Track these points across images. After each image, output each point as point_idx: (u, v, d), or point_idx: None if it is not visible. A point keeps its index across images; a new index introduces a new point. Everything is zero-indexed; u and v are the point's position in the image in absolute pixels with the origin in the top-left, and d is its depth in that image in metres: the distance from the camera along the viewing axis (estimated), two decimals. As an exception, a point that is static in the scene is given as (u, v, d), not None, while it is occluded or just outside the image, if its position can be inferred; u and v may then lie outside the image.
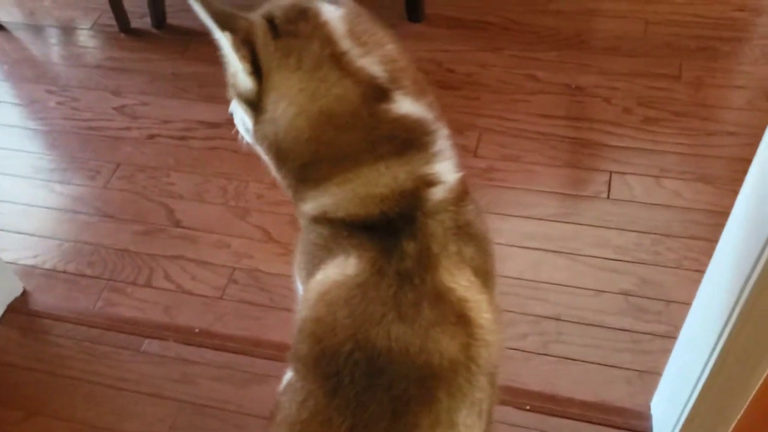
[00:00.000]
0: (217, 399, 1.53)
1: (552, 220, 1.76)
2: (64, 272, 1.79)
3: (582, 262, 1.68)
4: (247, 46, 0.87)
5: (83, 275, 1.78)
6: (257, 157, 0.97)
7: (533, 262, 1.69)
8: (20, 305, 1.72)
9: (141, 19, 2.43)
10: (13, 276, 1.74)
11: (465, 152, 1.92)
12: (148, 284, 1.74)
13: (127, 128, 2.12)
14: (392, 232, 0.87)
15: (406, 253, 0.86)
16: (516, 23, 2.25)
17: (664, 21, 2.20)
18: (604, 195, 1.79)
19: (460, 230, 0.89)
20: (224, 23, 0.87)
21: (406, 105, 0.87)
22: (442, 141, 0.91)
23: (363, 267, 0.85)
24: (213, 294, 1.71)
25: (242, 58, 0.87)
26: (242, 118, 0.96)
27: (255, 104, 0.91)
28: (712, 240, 1.66)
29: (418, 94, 0.89)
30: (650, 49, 2.13)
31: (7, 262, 1.80)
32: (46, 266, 1.80)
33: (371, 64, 0.85)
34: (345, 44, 0.86)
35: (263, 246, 1.79)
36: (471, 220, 0.91)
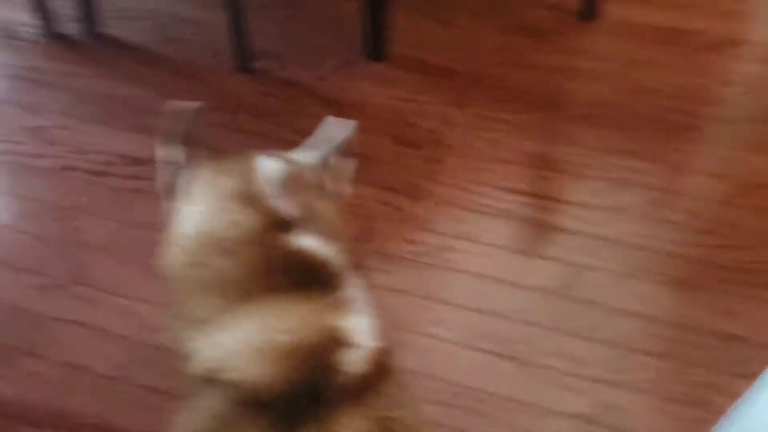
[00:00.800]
0: None
1: (505, 317, 1.57)
2: (-59, 330, 1.54)
3: (535, 372, 1.49)
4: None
5: (-33, 337, 1.53)
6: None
7: (480, 368, 1.50)
8: None
9: (70, 24, 2.16)
10: None
11: (417, 223, 1.72)
12: (36, 353, 1.50)
13: (39, 155, 1.86)
14: (293, 417, 0.68)
15: None
16: (486, 75, 2.05)
17: (645, 89, 2.03)
18: (564, 292, 1.61)
19: (381, 415, 0.71)
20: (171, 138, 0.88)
21: (309, 240, 0.79)
22: (355, 290, 0.79)
23: None
24: (112, 373, 1.47)
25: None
26: None
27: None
28: (684, 362, 1.51)
29: (331, 237, 0.81)
30: (628, 121, 1.95)
31: None
32: None
33: (284, 204, 0.80)
34: (265, 187, 0.81)
35: (177, 319, 1.56)
36: (395, 412, 0.74)
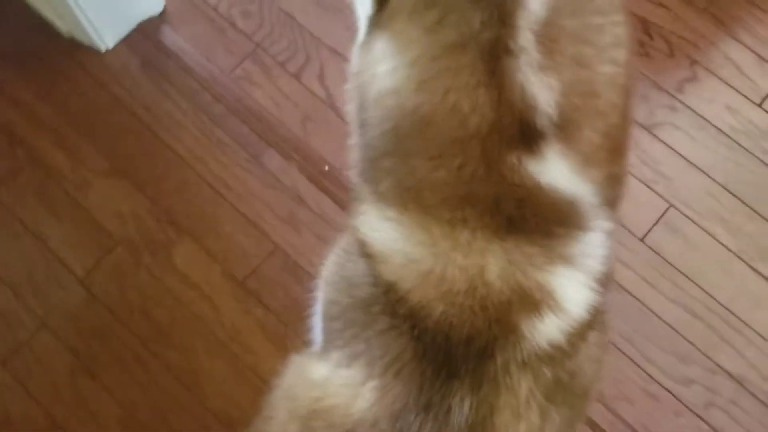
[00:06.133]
0: (311, 260, 1.27)
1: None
2: (215, 10, 1.45)
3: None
4: None
5: (233, 25, 1.44)
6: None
7: (753, 293, 1.27)
8: (152, 30, 1.42)
9: None
10: (156, -11, 1.41)
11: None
12: (297, 75, 1.40)
13: None
14: (448, 362, 0.55)
15: (453, 414, 0.55)
16: None
17: None
18: None
19: (557, 387, 0.57)
20: None
21: (555, 171, 0.53)
22: (592, 243, 0.56)
23: (378, 411, 0.56)
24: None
25: None
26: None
27: (369, 24, 0.58)
28: None
29: (593, 160, 0.55)
30: None
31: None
32: (199, -8, 1.46)
33: (541, 87, 0.51)
34: (523, 40, 0.51)
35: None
36: (580, 370, 0.59)
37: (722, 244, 1.30)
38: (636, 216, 1.31)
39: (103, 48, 1.38)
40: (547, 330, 0.55)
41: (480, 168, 0.53)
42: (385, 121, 0.56)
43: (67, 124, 1.35)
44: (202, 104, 1.37)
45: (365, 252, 0.60)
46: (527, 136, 0.52)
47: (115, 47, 1.40)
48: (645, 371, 1.22)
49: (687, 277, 1.27)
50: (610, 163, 0.56)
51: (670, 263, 1.28)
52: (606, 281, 0.58)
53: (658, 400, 1.21)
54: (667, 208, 1.32)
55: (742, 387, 1.21)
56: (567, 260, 0.55)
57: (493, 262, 0.54)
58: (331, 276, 0.66)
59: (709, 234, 1.30)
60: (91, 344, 1.24)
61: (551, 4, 0.51)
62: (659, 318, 1.25)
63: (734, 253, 1.29)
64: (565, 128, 0.52)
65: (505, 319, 0.55)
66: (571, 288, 0.56)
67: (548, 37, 0.51)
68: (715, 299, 1.26)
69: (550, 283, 0.55)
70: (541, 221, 0.54)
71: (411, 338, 0.56)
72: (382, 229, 0.58)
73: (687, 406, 1.21)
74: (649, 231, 1.30)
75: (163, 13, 1.43)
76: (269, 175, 1.33)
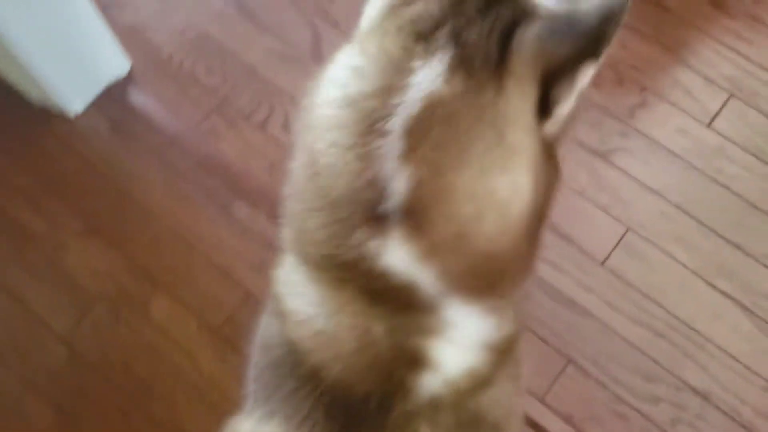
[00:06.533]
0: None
1: (760, 261, 1.34)
2: (180, 68, 1.50)
3: (771, 335, 1.30)
4: None
5: (198, 81, 1.49)
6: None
7: (710, 308, 1.32)
8: (119, 91, 1.47)
9: None
10: (120, 51, 1.46)
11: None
12: (262, 126, 1.45)
13: None
14: (352, 419, 0.58)
15: None
16: None
17: None
18: None
19: (461, 428, 0.60)
20: None
21: (395, 255, 0.53)
22: (454, 320, 0.57)
23: None
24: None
25: None
26: None
27: None
28: None
29: (447, 253, 0.53)
30: None
31: (126, 26, 1.51)
32: (164, 52, 1.51)
33: (396, 174, 0.51)
34: (394, 125, 0.50)
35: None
36: (484, 411, 0.61)
37: (680, 263, 1.34)
38: (595, 241, 1.36)
39: (72, 113, 1.44)
40: (431, 386, 0.58)
41: (341, 233, 0.53)
42: (300, 154, 0.57)
43: (41, 188, 1.40)
44: (170, 160, 1.42)
45: (277, 309, 0.61)
46: (376, 215, 0.52)
47: (85, 111, 1.45)
48: (612, 392, 1.26)
49: (648, 297, 1.32)
50: (481, 260, 0.55)
51: (631, 285, 1.32)
52: (504, 343, 0.60)
53: (626, 420, 1.24)
54: (625, 232, 1.36)
55: (707, 401, 1.25)
56: (430, 331, 0.57)
57: (376, 324, 0.56)
58: (256, 338, 0.69)
59: (667, 254, 1.35)
60: (75, 401, 1.27)
61: (429, 101, 0.50)
62: (623, 338, 1.29)
63: (692, 271, 1.34)
64: (413, 219, 0.51)
65: (394, 376, 0.57)
66: (443, 353, 0.58)
67: (416, 131, 0.50)
68: (676, 317, 1.30)
69: (423, 347, 0.57)
70: (394, 296, 0.55)
71: (315, 399, 0.58)
72: (289, 284, 0.60)
73: (655, 424, 1.24)
74: (609, 255, 1.35)
75: (129, 74, 1.48)
76: (239, 224, 1.37)
